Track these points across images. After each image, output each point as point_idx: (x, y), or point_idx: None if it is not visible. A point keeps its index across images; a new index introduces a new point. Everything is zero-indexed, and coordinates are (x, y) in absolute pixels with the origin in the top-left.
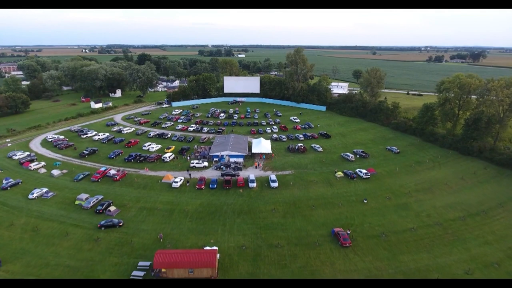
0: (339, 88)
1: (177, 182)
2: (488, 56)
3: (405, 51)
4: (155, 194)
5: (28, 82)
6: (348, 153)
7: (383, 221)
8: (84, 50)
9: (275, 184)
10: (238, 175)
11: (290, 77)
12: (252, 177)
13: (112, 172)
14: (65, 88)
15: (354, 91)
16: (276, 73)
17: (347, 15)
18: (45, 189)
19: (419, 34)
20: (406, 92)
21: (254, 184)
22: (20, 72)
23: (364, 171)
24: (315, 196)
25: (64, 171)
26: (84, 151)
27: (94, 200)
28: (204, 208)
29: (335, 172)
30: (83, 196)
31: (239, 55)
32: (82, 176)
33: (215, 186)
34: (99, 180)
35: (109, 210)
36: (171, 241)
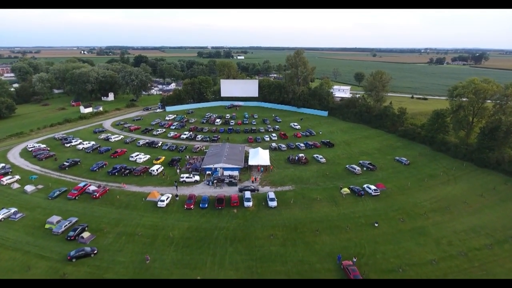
0: (341, 92)
1: (163, 200)
2: (490, 58)
3: (405, 53)
4: (137, 216)
5: (17, 85)
6: (354, 165)
7: (399, 250)
8: (82, 52)
9: (274, 204)
10: (257, 190)
11: (290, 80)
12: (247, 194)
13: (92, 188)
14: (56, 91)
15: (357, 95)
16: (275, 75)
17: (346, 16)
18: (13, 209)
19: (418, 36)
20: (411, 96)
21: (250, 203)
22: (13, 74)
23: (372, 187)
24: (319, 217)
25: (40, 186)
26: (65, 163)
27: (67, 223)
28: (192, 233)
29: (341, 188)
30: (54, 219)
31: (239, 57)
32: (58, 192)
33: (206, 205)
34: (77, 198)
35: (82, 237)
36: (151, 278)
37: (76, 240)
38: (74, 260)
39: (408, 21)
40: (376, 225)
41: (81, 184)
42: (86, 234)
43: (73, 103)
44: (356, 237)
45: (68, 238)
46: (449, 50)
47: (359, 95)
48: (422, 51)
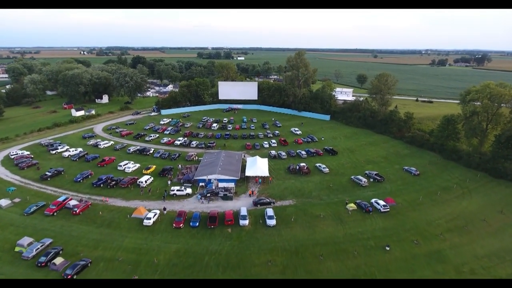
0: (344, 94)
1: (149, 218)
2: (492, 60)
3: (405, 54)
4: (120, 236)
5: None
6: (360, 177)
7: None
8: (82, 52)
9: (273, 222)
10: (274, 203)
11: (290, 83)
12: (243, 211)
13: (72, 203)
14: (49, 93)
15: (360, 98)
16: (276, 77)
17: (346, 16)
18: None
19: (418, 37)
20: (415, 98)
21: (246, 222)
22: (6, 76)
23: (381, 202)
24: (323, 239)
25: (16, 200)
26: (47, 173)
27: (39, 246)
28: (180, 258)
29: (346, 204)
30: (26, 240)
31: (239, 58)
32: (35, 208)
33: (197, 224)
34: (55, 214)
35: (54, 264)
36: None
37: (48, 267)
38: (75, 276)
39: (407, 22)
40: (388, 248)
41: (61, 198)
42: (59, 260)
43: (65, 106)
44: (366, 264)
45: (39, 265)
46: (449, 51)
47: (362, 98)
48: (423, 52)
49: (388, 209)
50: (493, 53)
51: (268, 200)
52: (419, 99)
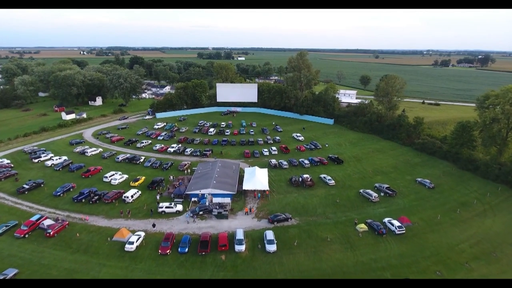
0: (347, 97)
1: (132, 242)
2: (496, 60)
3: (407, 54)
4: (97, 265)
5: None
6: (370, 191)
7: None
8: (82, 52)
9: (273, 247)
10: (290, 219)
11: (292, 85)
12: (240, 234)
13: (47, 223)
14: (42, 94)
15: (366, 101)
16: (276, 78)
17: (347, 17)
18: None
19: (419, 37)
20: (421, 101)
21: (243, 247)
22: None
23: (396, 223)
24: (331, 268)
25: None
26: (25, 185)
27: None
28: None
29: (356, 224)
30: None
31: (239, 58)
32: (4, 228)
33: (186, 250)
34: (26, 236)
35: None
36: None
37: None
38: None
39: (408, 22)
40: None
41: (34, 218)
42: None
43: (56, 109)
44: None
45: None
46: (451, 52)
47: (367, 101)
48: (425, 52)
49: (404, 231)
50: (494, 53)
51: (285, 216)
52: (425, 101)
